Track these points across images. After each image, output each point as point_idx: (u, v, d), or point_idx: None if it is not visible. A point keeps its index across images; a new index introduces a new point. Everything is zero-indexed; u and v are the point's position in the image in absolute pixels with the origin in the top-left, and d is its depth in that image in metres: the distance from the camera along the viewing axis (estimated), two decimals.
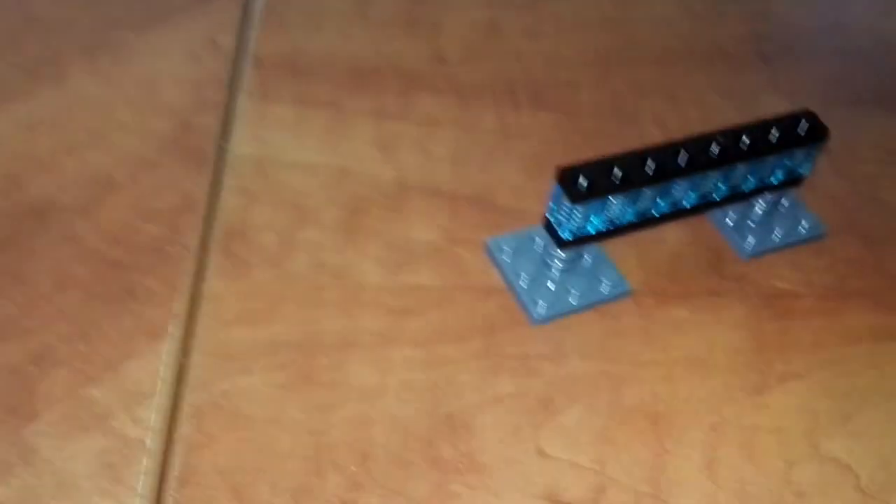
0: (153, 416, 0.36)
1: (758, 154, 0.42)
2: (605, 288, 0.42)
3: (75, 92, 0.49)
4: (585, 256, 0.43)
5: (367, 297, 0.41)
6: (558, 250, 0.41)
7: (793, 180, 0.44)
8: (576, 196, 0.38)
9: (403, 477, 0.36)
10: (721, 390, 0.40)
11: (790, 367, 0.41)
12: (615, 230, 0.41)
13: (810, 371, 0.41)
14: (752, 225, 0.46)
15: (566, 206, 0.39)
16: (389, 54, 0.54)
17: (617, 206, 0.40)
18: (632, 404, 0.39)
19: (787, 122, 0.42)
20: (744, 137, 0.41)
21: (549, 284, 0.42)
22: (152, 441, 0.35)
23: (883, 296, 0.45)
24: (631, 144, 0.40)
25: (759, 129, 0.41)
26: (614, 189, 0.39)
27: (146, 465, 0.35)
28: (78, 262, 0.41)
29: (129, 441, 0.35)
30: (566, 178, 0.38)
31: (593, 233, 0.41)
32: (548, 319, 0.41)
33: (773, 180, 0.44)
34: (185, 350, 0.39)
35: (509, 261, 0.43)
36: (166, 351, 0.38)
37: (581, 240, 0.41)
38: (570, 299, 0.42)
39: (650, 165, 0.39)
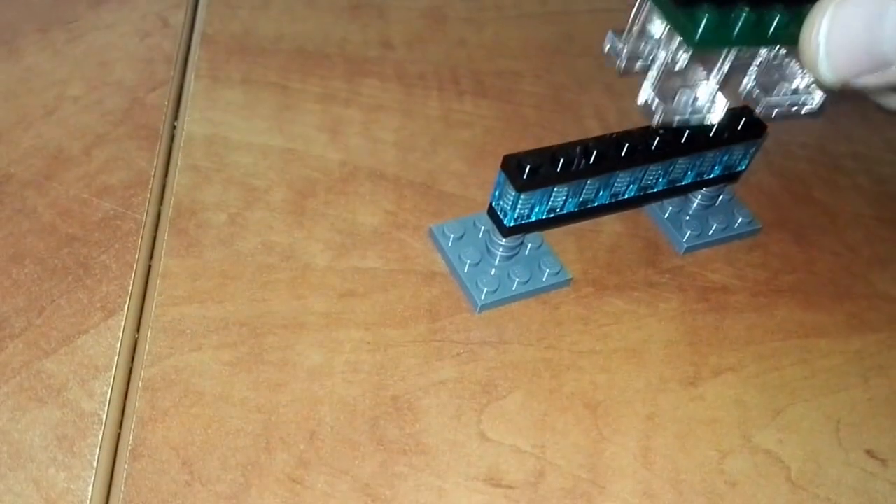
0: (107, 390, 0.37)
1: (698, 148, 0.42)
2: (546, 276, 0.43)
3: (29, 66, 0.49)
4: (527, 244, 0.44)
5: (315, 278, 0.42)
6: (501, 237, 0.42)
7: (730, 175, 0.46)
8: (520, 184, 0.39)
9: (350, 456, 0.36)
10: (657, 381, 0.41)
11: (723, 360, 0.42)
12: (557, 219, 0.42)
13: (743, 364, 0.42)
14: (689, 219, 0.47)
15: (510, 194, 0.40)
16: (336, 38, 0.55)
17: (560, 196, 0.41)
18: (571, 392, 0.40)
19: (727, 118, 0.43)
20: (685, 132, 0.42)
21: (491, 271, 0.43)
22: (106, 414, 0.36)
23: (813, 292, 0.46)
24: (571, 136, 0.41)
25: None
26: (558, 178, 0.40)
27: (100, 437, 0.35)
28: (33, 235, 0.41)
29: (84, 414, 0.36)
30: (511, 166, 0.39)
31: (534, 221, 0.42)
32: (489, 306, 0.42)
33: (711, 175, 0.45)
34: (138, 326, 0.39)
35: (452, 247, 0.44)
36: (120, 326, 0.39)
37: (523, 227, 0.42)
38: (511, 286, 0.42)
39: (594, 156, 0.40)
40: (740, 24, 0.37)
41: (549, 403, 0.39)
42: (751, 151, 0.45)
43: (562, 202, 0.41)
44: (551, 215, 0.42)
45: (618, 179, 0.42)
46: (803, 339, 0.44)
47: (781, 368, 0.43)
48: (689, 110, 0.41)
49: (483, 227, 0.44)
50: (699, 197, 0.47)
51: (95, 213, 0.43)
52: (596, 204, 0.43)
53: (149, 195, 0.44)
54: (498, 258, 0.43)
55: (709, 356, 0.42)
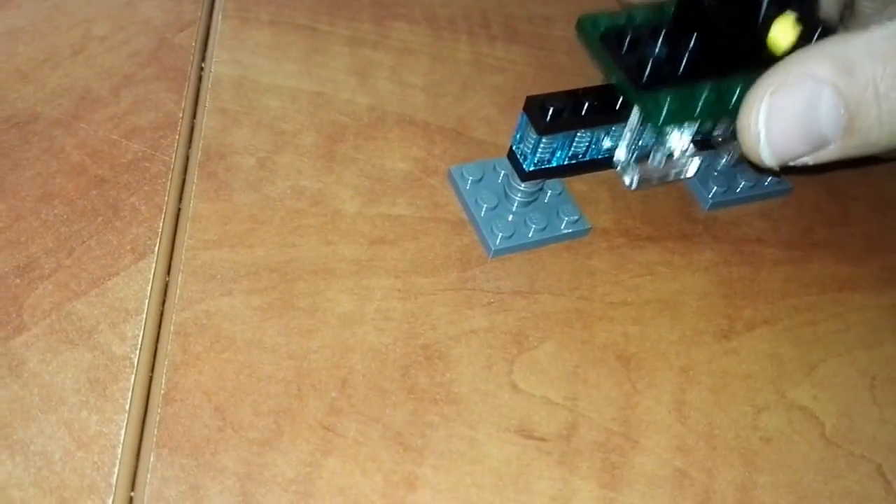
0: (139, 333, 0.36)
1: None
2: (564, 224, 0.43)
3: (55, 4, 0.49)
4: (547, 191, 0.44)
5: (345, 224, 0.42)
6: (520, 182, 0.42)
7: None
8: (542, 127, 0.38)
9: (381, 404, 0.36)
10: (690, 334, 0.41)
11: (758, 313, 0.42)
12: (579, 166, 0.42)
13: (777, 318, 0.42)
14: (716, 175, 0.46)
15: (531, 137, 0.39)
16: None
17: (583, 141, 0.40)
18: (603, 343, 0.40)
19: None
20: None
21: (508, 217, 0.42)
22: (138, 358, 0.36)
23: (848, 246, 0.46)
24: (602, 82, 0.41)
25: None
26: (582, 122, 0.39)
27: (132, 381, 0.35)
28: (62, 176, 0.41)
29: (116, 357, 0.36)
30: (534, 108, 0.38)
31: (556, 166, 0.41)
32: (504, 251, 0.42)
33: None
34: (168, 269, 0.39)
35: (470, 189, 0.43)
36: (150, 269, 0.39)
37: (543, 173, 0.41)
38: (527, 233, 0.42)
39: (620, 101, 0.39)
40: (702, 100, 0.38)
41: (580, 355, 0.39)
42: None
43: (584, 148, 0.41)
44: (573, 161, 0.41)
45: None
46: (837, 293, 0.44)
47: (816, 322, 0.42)
48: (664, 171, 0.43)
49: (503, 172, 0.44)
50: (729, 152, 0.46)
51: (124, 155, 0.42)
52: None
53: (177, 137, 0.43)
54: (516, 203, 0.43)
55: (743, 309, 0.42)
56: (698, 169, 0.44)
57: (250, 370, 0.36)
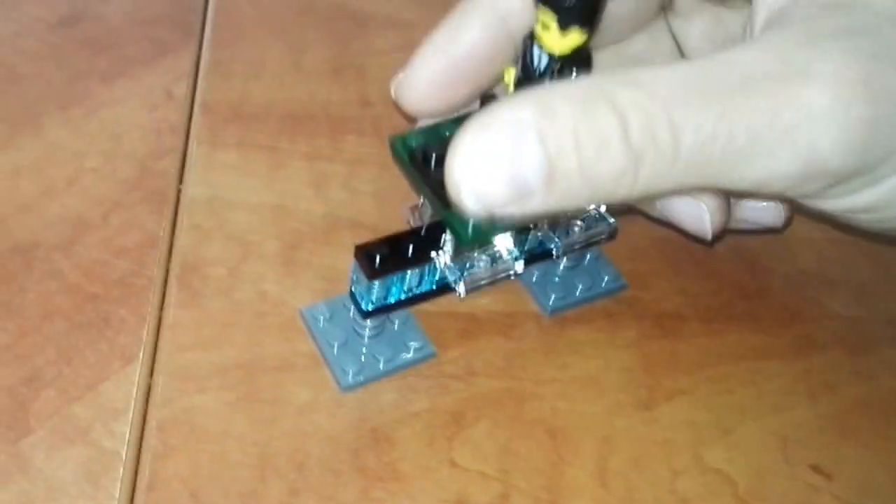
0: (126, 430, 0.41)
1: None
2: (411, 352, 0.45)
3: (52, 142, 0.54)
4: (395, 320, 0.46)
5: (303, 323, 0.46)
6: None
7: (592, 242, 0.47)
8: (370, 273, 0.41)
9: (334, 484, 0.40)
10: (613, 406, 0.44)
11: (676, 384, 0.45)
12: (417, 297, 0.44)
13: (694, 388, 0.45)
14: (557, 281, 0.49)
15: (364, 281, 0.42)
16: (321, 100, 0.59)
17: (414, 277, 0.43)
18: (533, 419, 0.43)
19: None
20: None
21: (358, 351, 0.45)
22: (126, 452, 0.41)
23: (764, 318, 0.49)
24: None
25: None
26: (407, 263, 0.42)
27: (121, 472, 0.40)
28: (61, 295, 0.46)
29: (107, 452, 0.41)
30: (362, 256, 0.41)
31: (394, 302, 0.44)
32: (356, 387, 0.44)
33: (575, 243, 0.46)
34: (151, 371, 0.44)
35: (323, 328, 0.45)
36: (136, 373, 0.44)
37: (383, 309, 0.44)
38: (378, 365, 0.44)
39: (444, 238, 0.42)
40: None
41: (512, 430, 0.43)
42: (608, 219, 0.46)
43: (418, 282, 0.44)
44: (410, 294, 0.44)
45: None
46: (753, 362, 0.47)
47: (731, 391, 0.45)
48: (490, 274, 0.44)
49: (351, 307, 0.45)
50: (565, 261, 0.48)
51: (114, 273, 0.47)
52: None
53: (159, 254, 0.49)
54: (364, 337, 0.45)
55: (663, 380, 0.46)
56: (529, 268, 0.46)
57: (221, 458, 0.41)
